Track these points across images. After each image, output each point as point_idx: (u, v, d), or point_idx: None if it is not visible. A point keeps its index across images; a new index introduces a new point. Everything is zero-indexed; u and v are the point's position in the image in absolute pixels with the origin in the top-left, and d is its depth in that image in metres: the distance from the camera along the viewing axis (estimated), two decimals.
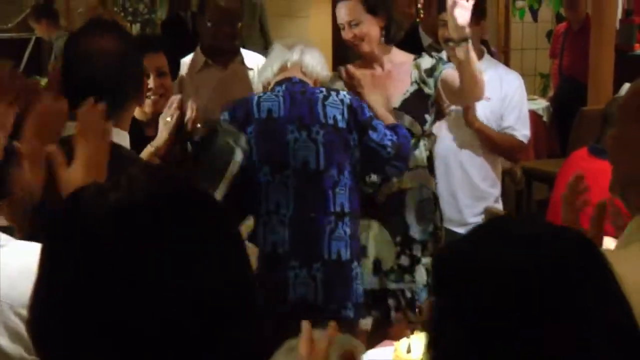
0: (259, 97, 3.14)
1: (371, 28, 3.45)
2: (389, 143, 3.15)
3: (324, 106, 3.12)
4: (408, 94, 3.49)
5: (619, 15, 9.81)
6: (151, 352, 0.90)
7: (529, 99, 7.29)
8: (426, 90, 3.49)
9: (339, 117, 3.12)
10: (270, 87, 3.21)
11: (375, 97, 3.33)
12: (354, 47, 3.49)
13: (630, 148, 1.55)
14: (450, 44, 3.19)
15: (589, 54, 7.08)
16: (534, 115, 7.04)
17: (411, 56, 3.60)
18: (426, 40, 4.89)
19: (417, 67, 3.52)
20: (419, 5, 6.52)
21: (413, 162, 3.41)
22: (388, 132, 3.17)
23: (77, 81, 1.98)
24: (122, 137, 2.03)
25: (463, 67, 3.21)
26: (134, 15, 13.87)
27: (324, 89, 3.20)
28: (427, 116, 3.48)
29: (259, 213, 3.14)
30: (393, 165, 3.22)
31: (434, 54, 3.67)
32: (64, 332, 0.93)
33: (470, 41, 3.17)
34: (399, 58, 3.58)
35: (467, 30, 3.13)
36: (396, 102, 3.48)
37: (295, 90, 3.15)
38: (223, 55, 4.06)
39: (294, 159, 3.08)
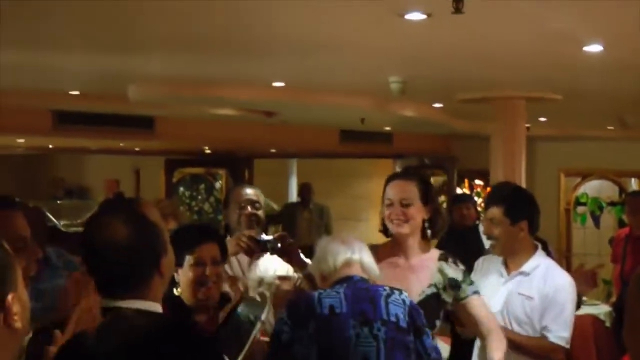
0: (319, 294, 3.10)
1: (418, 214, 3.45)
2: (435, 355, 3.13)
3: (387, 303, 3.08)
4: (424, 296, 3.44)
5: None
6: None
7: (590, 304, 7.18)
8: (443, 296, 3.45)
9: (401, 316, 3.07)
10: (329, 283, 3.20)
11: None
12: (394, 226, 3.46)
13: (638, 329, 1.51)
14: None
15: None
16: (596, 321, 6.85)
17: (436, 253, 3.56)
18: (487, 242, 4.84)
19: (441, 272, 3.48)
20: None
21: None
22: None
23: (94, 266, 2.08)
24: (152, 308, 2.06)
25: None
26: (199, 214, 14.37)
27: (387, 287, 3.18)
28: (437, 322, 3.41)
29: None
30: None
31: (459, 263, 3.57)
32: None
33: None
34: (426, 254, 3.54)
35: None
36: (413, 299, 3.37)
37: (358, 287, 3.13)
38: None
39: (354, 355, 3.02)
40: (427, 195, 3.47)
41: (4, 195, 2.72)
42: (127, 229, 2.05)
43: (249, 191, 4.34)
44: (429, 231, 3.49)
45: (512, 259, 3.84)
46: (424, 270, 3.46)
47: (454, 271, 3.48)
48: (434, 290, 3.43)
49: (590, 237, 10.60)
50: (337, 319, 3.03)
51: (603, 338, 6.66)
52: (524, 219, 3.82)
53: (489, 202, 3.88)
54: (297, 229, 10.58)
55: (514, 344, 3.74)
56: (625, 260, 7.65)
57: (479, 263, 4.05)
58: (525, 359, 3.81)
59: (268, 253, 3.92)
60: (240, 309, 2.87)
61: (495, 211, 3.77)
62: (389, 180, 3.56)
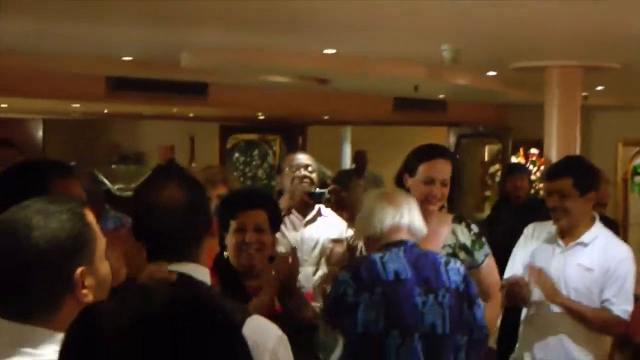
0: (381, 258, 3.10)
1: (447, 192, 3.56)
2: (485, 331, 3.14)
3: (447, 271, 3.11)
4: None
5: None
6: None
7: None
8: (459, 256, 3.53)
9: (460, 284, 3.11)
10: (377, 247, 3.19)
11: None
12: (429, 205, 3.52)
13: None
14: None
15: None
16: None
17: (449, 216, 3.65)
18: None
19: (454, 233, 3.59)
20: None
21: None
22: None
23: (146, 232, 2.13)
24: (200, 272, 2.09)
25: None
26: (253, 180, 14.45)
27: (441, 255, 3.24)
28: None
29: None
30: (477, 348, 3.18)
31: (473, 226, 3.67)
32: None
33: None
34: (441, 218, 3.63)
35: None
36: None
37: (415, 253, 3.14)
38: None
39: (422, 322, 3.04)
40: (456, 176, 3.59)
41: (62, 162, 2.76)
42: (182, 192, 2.09)
43: (301, 156, 4.61)
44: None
45: (570, 229, 3.82)
46: (437, 235, 3.54)
47: (465, 236, 3.59)
48: (449, 250, 3.52)
49: None
50: (402, 285, 3.05)
51: None
52: (592, 190, 3.80)
53: (556, 174, 3.84)
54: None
55: (578, 314, 3.73)
56: None
57: (530, 229, 4.03)
58: (581, 331, 3.79)
59: (321, 207, 4.00)
60: (320, 333, 2.90)
61: (565, 183, 3.74)
62: (431, 156, 3.60)
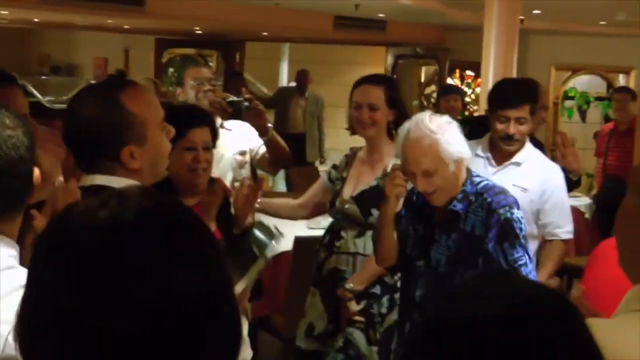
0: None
1: (383, 117, 3.62)
2: None
3: None
4: (368, 186, 3.65)
5: None
6: None
7: (572, 197, 7.32)
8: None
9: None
10: None
11: None
12: (361, 128, 3.64)
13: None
14: None
15: (633, 154, 7.11)
16: (576, 212, 7.02)
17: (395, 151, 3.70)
18: None
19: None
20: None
21: (353, 248, 3.63)
22: None
23: (68, 140, 2.16)
24: (123, 184, 2.12)
25: None
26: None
27: None
28: (373, 210, 3.53)
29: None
30: None
31: None
32: (51, 349, 0.98)
33: None
34: (387, 152, 3.67)
35: None
36: (356, 192, 3.65)
37: None
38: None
39: None
40: (393, 100, 3.64)
41: (3, 71, 2.73)
42: (97, 109, 2.09)
43: (205, 69, 4.63)
44: (394, 132, 3.58)
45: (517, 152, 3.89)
46: (378, 165, 3.62)
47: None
48: (379, 181, 3.54)
49: (576, 131, 10.69)
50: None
51: (583, 230, 6.84)
52: (536, 112, 3.89)
53: (517, 101, 3.78)
54: (290, 115, 10.57)
55: (551, 274, 3.89)
56: (608, 154, 7.79)
57: None
58: None
59: (223, 122, 4.02)
60: (256, 232, 2.89)
61: (525, 110, 3.77)
62: (357, 84, 3.71)
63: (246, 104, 3.97)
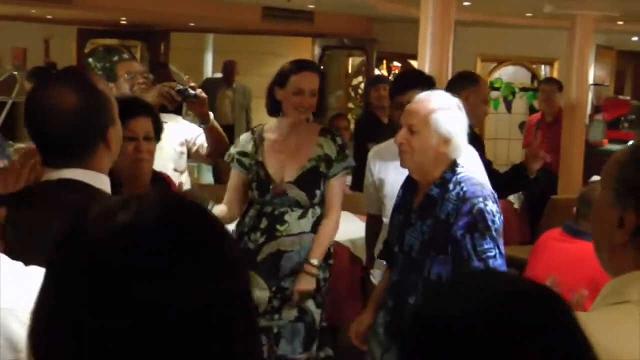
0: None
1: (314, 102, 3.80)
2: None
3: None
4: (305, 170, 3.81)
5: (589, 111, 10.12)
6: None
7: None
8: (322, 168, 3.80)
9: None
10: None
11: None
12: (299, 114, 3.77)
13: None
14: None
15: (560, 145, 7.29)
16: (505, 202, 7.16)
17: (317, 128, 3.91)
18: None
19: (320, 146, 3.83)
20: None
21: (298, 229, 3.75)
22: None
23: (38, 135, 2.10)
24: (99, 180, 2.08)
25: None
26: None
27: None
28: (317, 191, 3.80)
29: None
30: None
31: (338, 138, 3.92)
32: (67, 349, 0.96)
33: None
34: (309, 130, 3.88)
35: None
36: (292, 175, 3.79)
37: None
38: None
39: None
40: (323, 86, 3.86)
41: None
42: (76, 96, 2.04)
43: (137, 63, 4.90)
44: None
45: None
46: (304, 146, 3.83)
47: (330, 147, 3.83)
48: (313, 164, 3.79)
49: (502, 122, 10.91)
50: None
51: (512, 220, 6.97)
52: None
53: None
54: (218, 107, 10.46)
55: None
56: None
57: (380, 150, 4.09)
58: None
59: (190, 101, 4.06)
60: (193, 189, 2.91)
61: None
62: (299, 69, 3.80)
63: (193, 92, 4.01)
